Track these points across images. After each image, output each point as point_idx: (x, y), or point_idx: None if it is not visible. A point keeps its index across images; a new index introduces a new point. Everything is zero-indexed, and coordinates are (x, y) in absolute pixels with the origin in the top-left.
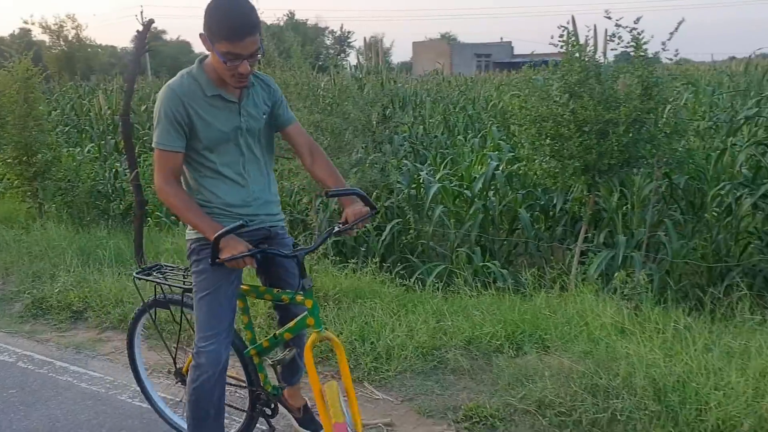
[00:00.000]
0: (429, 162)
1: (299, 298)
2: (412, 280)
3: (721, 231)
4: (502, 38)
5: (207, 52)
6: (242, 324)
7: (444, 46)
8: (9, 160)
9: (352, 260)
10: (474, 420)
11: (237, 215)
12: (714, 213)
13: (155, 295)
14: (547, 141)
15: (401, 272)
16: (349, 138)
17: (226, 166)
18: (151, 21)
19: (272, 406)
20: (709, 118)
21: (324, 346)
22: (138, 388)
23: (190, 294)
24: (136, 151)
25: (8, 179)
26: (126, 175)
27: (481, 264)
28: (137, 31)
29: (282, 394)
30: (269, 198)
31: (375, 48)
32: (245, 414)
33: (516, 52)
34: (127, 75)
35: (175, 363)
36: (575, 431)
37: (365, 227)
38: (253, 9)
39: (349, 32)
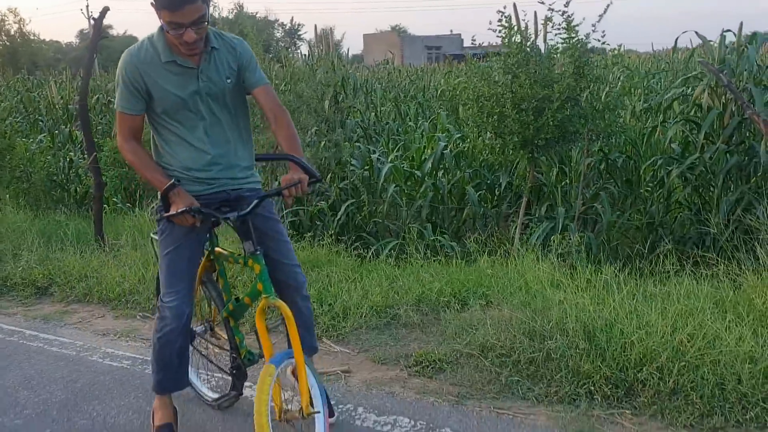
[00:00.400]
0: (381, 146)
1: (250, 262)
2: (368, 255)
3: (654, 203)
4: (452, 31)
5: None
6: (220, 286)
7: (394, 38)
8: None
9: (309, 234)
10: (423, 364)
11: (196, 179)
12: (648, 188)
13: None
14: (490, 119)
15: (356, 245)
16: (304, 118)
17: (187, 130)
18: (107, 8)
19: (243, 370)
20: (644, 100)
21: None
22: (110, 351)
23: None
24: None
25: None
26: (82, 161)
27: (431, 238)
28: (93, 18)
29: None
30: (233, 162)
31: (326, 39)
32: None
33: (466, 44)
34: (84, 61)
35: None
36: (514, 369)
37: (302, 194)
38: None
39: (299, 25)
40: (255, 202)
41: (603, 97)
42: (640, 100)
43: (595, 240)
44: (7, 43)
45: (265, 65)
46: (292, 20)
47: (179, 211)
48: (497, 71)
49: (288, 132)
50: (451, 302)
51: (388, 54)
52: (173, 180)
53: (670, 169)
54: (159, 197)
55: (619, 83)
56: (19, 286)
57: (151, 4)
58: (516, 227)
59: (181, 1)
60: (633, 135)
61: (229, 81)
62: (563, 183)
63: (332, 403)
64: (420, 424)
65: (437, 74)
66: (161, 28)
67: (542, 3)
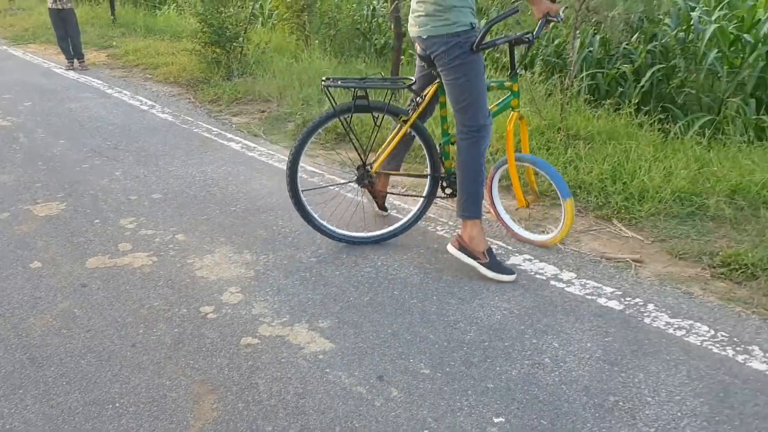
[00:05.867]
0: (701, 2)
1: (507, 83)
2: (673, 131)
3: None
4: None
5: None
6: (440, 117)
7: None
8: None
9: (608, 101)
10: (732, 267)
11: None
12: None
13: (354, 99)
14: None
15: (660, 119)
16: None
17: None
18: None
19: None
20: None
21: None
22: (399, 204)
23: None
24: None
25: (279, 12)
26: (383, 10)
27: (754, 117)
28: None
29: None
30: None
31: None
32: (423, 200)
33: None
34: None
35: (362, 159)
36: None
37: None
38: None
39: None
40: (541, 25)
41: None
42: None
43: None
44: None
45: None
46: None
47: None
48: None
49: None
50: None
51: None
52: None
53: None
54: (450, 34)
55: None
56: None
57: None
58: None
59: None
60: None
61: None
62: None
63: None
64: (722, 335)
65: None
66: None
67: None
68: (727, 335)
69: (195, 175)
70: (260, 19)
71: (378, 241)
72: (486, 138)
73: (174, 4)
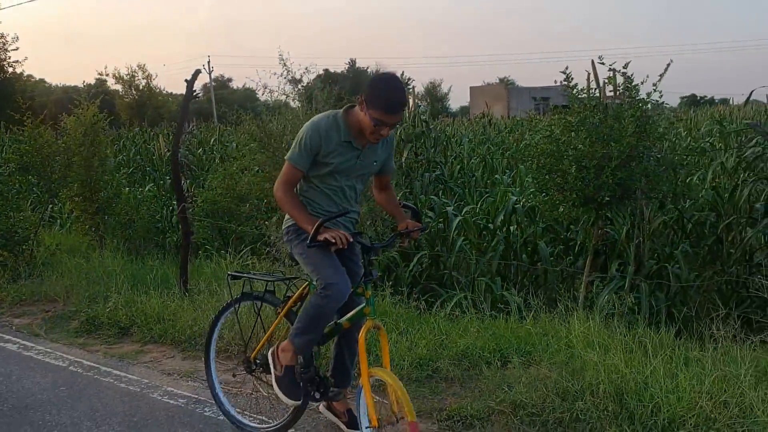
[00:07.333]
0: (460, 198)
1: (360, 289)
2: (435, 306)
3: (734, 264)
4: (557, 81)
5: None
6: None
7: (501, 90)
8: (75, 197)
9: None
10: (455, 419)
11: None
12: (732, 248)
13: (242, 291)
14: (550, 176)
15: (428, 299)
16: None
17: (335, 188)
18: (198, 71)
19: (321, 390)
20: (733, 154)
21: None
22: (170, 389)
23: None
24: (191, 188)
25: (74, 214)
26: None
27: (499, 293)
28: (185, 80)
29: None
30: (355, 217)
31: (433, 93)
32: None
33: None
34: (178, 119)
35: (246, 350)
36: (542, 429)
37: (413, 240)
38: (405, 90)
39: (409, 78)
40: (392, 237)
41: (668, 155)
42: (732, 155)
43: (664, 300)
44: (136, 97)
45: None
46: (402, 74)
47: (336, 236)
48: (558, 127)
49: (394, 199)
50: (493, 358)
51: (487, 108)
52: (342, 209)
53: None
54: (290, 225)
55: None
56: (105, 326)
57: (359, 96)
58: (582, 285)
59: (397, 109)
60: (707, 194)
61: (375, 164)
62: (636, 240)
63: None
64: None
65: (533, 125)
66: (346, 110)
67: (602, 63)
68: None
69: None
70: (59, 220)
71: None
72: (331, 298)
73: None
